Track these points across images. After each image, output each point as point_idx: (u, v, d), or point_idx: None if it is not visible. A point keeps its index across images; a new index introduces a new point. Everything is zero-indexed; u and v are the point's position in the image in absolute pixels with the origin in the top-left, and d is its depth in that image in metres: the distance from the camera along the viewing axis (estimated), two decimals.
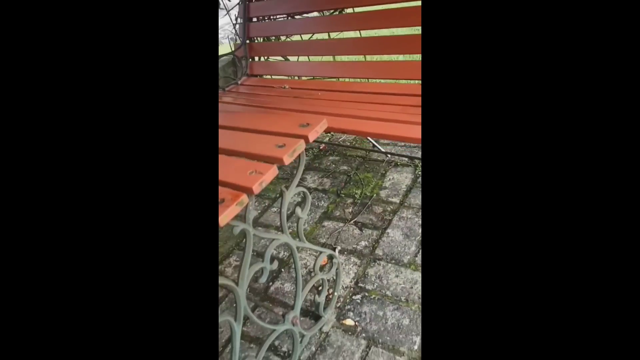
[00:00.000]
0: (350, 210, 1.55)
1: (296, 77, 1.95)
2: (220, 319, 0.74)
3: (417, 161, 1.72)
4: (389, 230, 1.40)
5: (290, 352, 1.06)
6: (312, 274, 1.05)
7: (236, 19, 1.98)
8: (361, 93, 1.48)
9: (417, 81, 1.41)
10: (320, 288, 1.10)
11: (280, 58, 1.94)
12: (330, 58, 1.81)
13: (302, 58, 1.88)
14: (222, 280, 0.74)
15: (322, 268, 1.25)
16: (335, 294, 1.19)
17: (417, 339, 1.04)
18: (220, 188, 0.71)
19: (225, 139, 0.88)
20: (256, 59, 1.96)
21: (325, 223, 1.52)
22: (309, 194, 0.95)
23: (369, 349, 1.04)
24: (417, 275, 1.21)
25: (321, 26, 1.74)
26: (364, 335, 1.08)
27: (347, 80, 1.69)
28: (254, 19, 1.94)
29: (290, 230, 0.95)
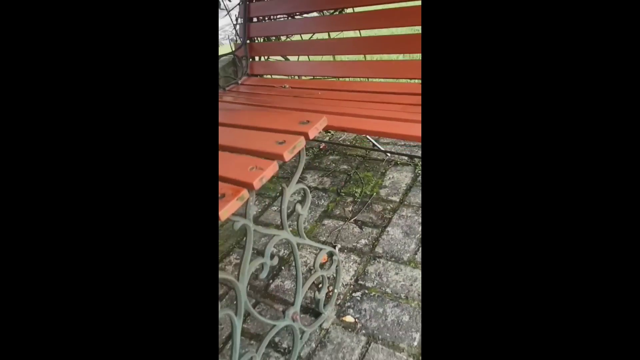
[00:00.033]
0: (350, 208, 1.56)
1: (296, 77, 1.96)
2: (221, 313, 0.75)
3: (417, 160, 1.73)
4: (388, 229, 1.41)
5: (291, 348, 1.07)
6: (313, 271, 1.05)
7: (236, 19, 1.99)
8: (361, 92, 1.49)
9: (416, 80, 1.42)
10: (320, 285, 1.11)
11: (280, 58, 1.95)
12: (330, 58, 1.82)
13: (302, 58, 1.89)
14: (223, 275, 0.75)
15: (322, 266, 1.26)
16: (335, 291, 1.20)
17: (417, 335, 1.04)
18: (221, 183, 0.72)
19: (226, 136, 0.89)
20: (256, 58, 1.97)
21: (326, 221, 1.52)
22: (309, 191, 0.96)
23: (369, 345, 1.05)
24: (417, 273, 1.22)
25: (321, 26, 1.75)
26: (363, 331, 1.09)
27: (347, 79, 1.70)
28: (254, 19, 1.95)
29: (291, 228, 0.96)
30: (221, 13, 2.17)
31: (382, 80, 1.54)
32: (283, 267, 1.37)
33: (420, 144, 1.83)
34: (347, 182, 1.72)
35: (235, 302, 0.83)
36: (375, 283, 1.22)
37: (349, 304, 1.18)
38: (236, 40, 2.02)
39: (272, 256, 0.88)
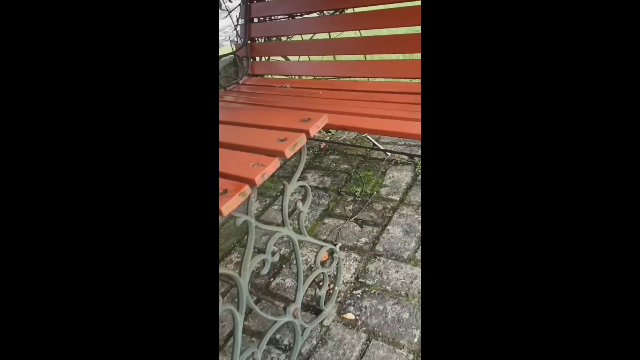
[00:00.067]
0: (350, 207, 1.57)
1: (297, 77, 1.97)
2: (223, 309, 0.76)
3: (417, 159, 1.74)
4: (389, 227, 1.42)
5: (292, 345, 1.07)
6: (313, 269, 1.06)
7: (237, 20, 2.01)
8: (361, 92, 1.50)
9: (416, 80, 1.43)
10: (321, 283, 1.12)
11: (281, 58, 1.96)
12: (330, 58, 1.83)
13: (303, 58, 1.90)
14: (225, 271, 0.76)
15: (323, 263, 1.27)
16: (336, 288, 1.21)
17: (417, 332, 1.05)
18: (223, 180, 0.72)
19: (228, 134, 0.90)
20: (257, 58, 1.98)
21: (326, 220, 1.53)
22: (309, 188, 0.96)
23: (370, 342, 1.06)
24: (417, 271, 1.23)
25: (322, 26, 1.76)
26: (364, 328, 1.10)
27: (347, 79, 1.71)
28: (255, 20, 1.96)
29: (292, 227, 0.96)
30: (222, 14, 2.18)
31: (382, 79, 1.55)
32: (284, 265, 1.38)
33: (420, 143, 1.84)
34: (348, 181, 1.73)
35: (236, 301, 0.83)
36: (375, 281, 1.23)
37: (349, 301, 1.18)
38: (237, 41, 2.03)
39: (273, 253, 0.88)
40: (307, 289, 1.21)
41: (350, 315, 1.14)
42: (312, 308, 1.18)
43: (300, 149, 0.84)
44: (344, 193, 1.66)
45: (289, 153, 0.77)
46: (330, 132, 2.18)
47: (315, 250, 1.38)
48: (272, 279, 1.34)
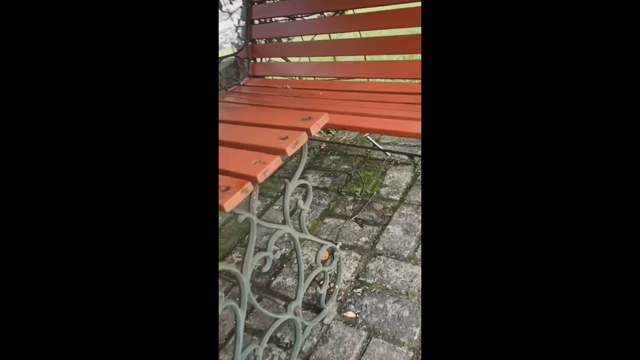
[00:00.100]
0: (351, 207, 1.58)
1: (297, 78, 1.98)
2: (225, 305, 0.77)
3: (416, 159, 1.75)
4: (389, 227, 1.43)
5: (292, 343, 1.08)
6: (314, 268, 1.07)
7: (238, 22, 2.02)
8: (361, 92, 1.51)
9: (416, 80, 1.44)
10: (321, 282, 1.12)
11: (281, 59, 1.97)
12: (330, 59, 1.84)
13: (303, 59, 1.91)
14: (227, 267, 0.77)
15: (323, 262, 1.28)
16: (337, 287, 1.21)
17: (417, 330, 1.06)
18: (225, 177, 0.73)
19: (230, 133, 0.91)
20: (258, 60, 2.00)
21: (327, 220, 1.54)
22: (310, 186, 0.97)
23: (370, 340, 1.06)
24: (417, 269, 1.24)
25: (322, 27, 1.77)
26: (364, 326, 1.10)
27: (347, 80, 1.72)
28: (256, 21, 1.98)
29: (293, 226, 0.98)
30: (223, 16, 2.20)
31: (381, 80, 1.56)
32: (285, 265, 1.39)
33: (419, 143, 1.85)
34: (348, 181, 1.74)
35: (237, 299, 0.84)
36: (375, 279, 1.24)
37: (350, 300, 1.19)
38: (238, 43, 2.05)
39: (274, 251, 0.89)
40: (307, 288, 1.22)
41: (350, 314, 1.15)
42: (313, 307, 1.19)
43: (302, 147, 0.85)
44: (344, 193, 1.67)
45: (290, 151, 0.78)
46: (330, 132, 2.19)
47: (316, 250, 1.39)
48: (273, 278, 1.34)
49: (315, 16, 1.82)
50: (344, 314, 1.15)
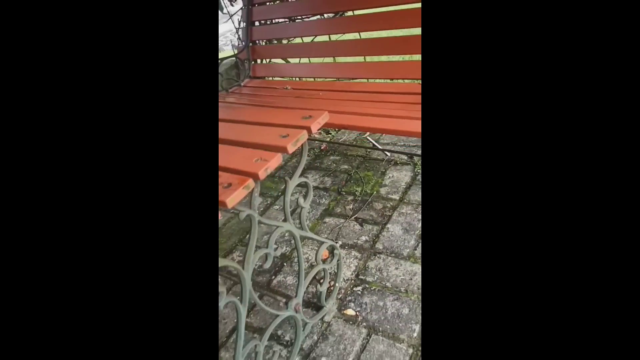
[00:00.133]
0: (351, 207, 1.59)
1: (297, 79, 2.00)
2: (226, 300, 0.78)
3: (416, 159, 1.76)
4: (388, 226, 1.44)
5: (293, 341, 1.09)
6: (314, 266, 1.08)
7: (239, 23, 2.04)
8: (361, 92, 1.52)
9: (415, 80, 1.46)
10: (321, 280, 1.13)
11: (282, 60, 1.99)
12: (330, 59, 1.86)
13: (304, 60, 1.93)
14: (228, 263, 0.78)
15: (323, 261, 1.29)
16: (337, 285, 1.22)
17: (416, 327, 1.07)
18: (228, 174, 0.74)
19: (231, 131, 0.92)
20: (259, 61, 2.01)
21: (327, 219, 1.55)
22: (311, 184, 0.98)
23: (370, 337, 1.07)
24: (416, 268, 1.25)
25: (322, 29, 1.79)
26: (364, 324, 1.11)
27: (347, 80, 1.73)
28: (257, 23, 1.99)
29: (294, 224, 0.99)
30: (223, 18, 2.21)
31: (381, 80, 1.58)
32: (285, 264, 1.40)
33: (419, 142, 1.86)
34: (348, 181, 1.75)
35: (238, 298, 0.85)
36: (375, 278, 1.25)
37: (350, 298, 1.20)
38: (238, 44, 2.06)
39: (275, 248, 0.90)
40: (308, 286, 1.22)
41: (350, 311, 1.16)
42: (313, 305, 1.20)
43: (302, 145, 0.86)
44: (344, 193, 1.68)
45: (291, 148, 0.80)
46: (330, 133, 2.20)
47: (316, 249, 1.40)
48: (273, 277, 1.35)
49: (315, 17, 1.84)
50: (344, 311, 1.16)
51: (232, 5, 2.28)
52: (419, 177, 1.66)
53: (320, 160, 1.98)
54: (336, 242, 1.41)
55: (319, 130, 0.89)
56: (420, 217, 1.44)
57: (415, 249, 1.31)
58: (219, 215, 0.65)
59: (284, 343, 1.12)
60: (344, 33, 1.70)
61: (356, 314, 1.15)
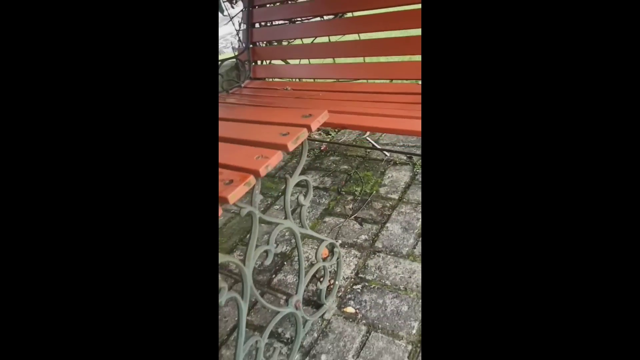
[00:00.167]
0: (350, 206, 1.60)
1: (297, 80, 2.01)
2: (228, 296, 0.79)
3: (415, 159, 1.77)
4: (388, 225, 1.45)
5: (293, 338, 1.10)
6: (315, 263, 1.09)
7: (240, 25, 2.05)
8: (361, 92, 1.53)
9: (414, 81, 1.47)
10: (321, 278, 1.14)
11: (282, 61, 2.00)
12: (330, 60, 1.87)
13: (304, 61, 1.94)
14: (229, 258, 0.79)
15: (323, 260, 1.30)
16: (336, 283, 1.23)
17: (415, 324, 1.08)
18: (229, 171, 0.76)
19: (233, 130, 0.93)
20: (259, 62, 2.03)
21: (327, 219, 1.56)
22: (311, 182, 1.00)
23: (369, 334, 1.08)
24: (415, 266, 1.26)
25: (321, 30, 1.80)
26: (364, 321, 1.12)
27: (347, 81, 1.75)
28: (257, 25, 2.01)
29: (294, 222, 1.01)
30: (223, 21, 2.23)
31: (381, 81, 1.59)
32: (285, 263, 1.41)
33: (417, 143, 1.87)
34: (348, 181, 1.77)
35: (240, 294, 0.86)
36: (375, 276, 1.26)
37: (349, 296, 1.21)
38: (239, 46, 2.08)
39: (275, 246, 0.91)
40: (308, 284, 1.23)
41: (350, 309, 1.17)
42: (314, 303, 1.21)
43: (302, 144, 0.87)
44: (344, 193, 1.69)
45: (291, 146, 0.81)
46: (330, 134, 2.22)
47: (316, 247, 1.41)
48: (274, 276, 1.36)
49: (315, 19, 1.85)
50: (344, 309, 1.17)
51: (232, 7, 2.30)
52: (418, 176, 1.67)
53: (320, 160, 1.99)
54: (336, 241, 1.42)
55: (319, 130, 0.90)
56: (419, 216, 1.45)
57: (414, 248, 1.32)
58: (220, 212, 0.66)
59: (285, 340, 1.13)
60: (343, 34, 1.71)
61: (356, 312, 1.16)
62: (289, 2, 1.89)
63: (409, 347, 1.02)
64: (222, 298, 0.77)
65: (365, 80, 1.66)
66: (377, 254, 1.34)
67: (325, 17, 1.81)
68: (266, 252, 0.89)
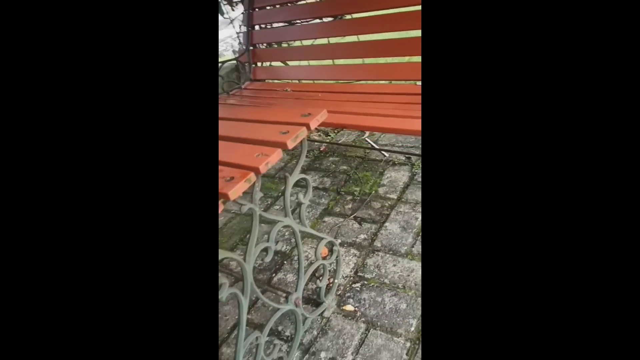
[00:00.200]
0: (350, 206, 1.61)
1: (297, 81, 2.03)
2: (228, 292, 0.80)
3: (414, 159, 1.79)
4: (387, 224, 1.46)
5: (293, 336, 1.11)
6: (314, 261, 1.10)
7: (240, 27, 2.07)
8: (360, 93, 1.55)
9: (413, 81, 1.48)
10: (321, 277, 1.16)
11: (281, 63, 2.02)
12: (329, 62, 1.89)
13: (303, 62, 1.96)
14: (230, 254, 0.80)
15: (323, 258, 1.31)
16: (336, 281, 1.24)
17: (414, 322, 1.09)
18: (230, 168, 0.77)
19: (233, 129, 0.95)
20: (259, 64, 2.04)
21: (326, 219, 1.58)
22: (310, 180, 1.01)
23: (368, 332, 1.09)
24: (414, 264, 1.27)
25: (321, 32, 1.82)
26: (363, 319, 1.13)
27: (346, 82, 1.76)
28: (257, 27, 2.03)
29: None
30: (224, 23, 2.25)
31: (380, 82, 1.61)
32: (285, 262, 1.42)
33: (416, 143, 1.89)
34: (347, 181, 1.78)
35: (240, 290, 0.87)
36: (374, 274, 1.27)
37: (349, 294, 1.22)
38: (239, 48, 2.10)
39: (275, 244, 0.92)
40: (308, 283, 1.25)
41: (349, 307, 1.18)
42: (313, 301, 1.22)
43: (301, 142, 0.88)
44: (343, 193, 1.71)
45: (290, 144, 0.82)
46: (329, 135, 2.23)
47: (315, 247, 1.42)
48: (274, 274, 1.37)
49: (314, 21, 1.87)
50: (343, 307, 1.18)
51: (233, 9, 2.32)
52: (416, 176, 1.68)
53: (319, 161, 2.00)
54: (335, 240, 1.43)
55: (318, 131, 0.92)
56: (417, 215, 1.46)
57: (413, 247, 1.33)
58: (220, 209, 0.67)
59: (285, 338, 1.14)
60: (342, 36, 1.73)
61: (355, 310, 1.17)
62: (289, 4, 1.90)
63: (407, 344, 1.03)
64: (223, 294, 0.79)
65: (364, 81, 1.68)
66: (376, 252, 1.35)
67: (325, 19, 1.83)
68: (266, 249, 0.91)
